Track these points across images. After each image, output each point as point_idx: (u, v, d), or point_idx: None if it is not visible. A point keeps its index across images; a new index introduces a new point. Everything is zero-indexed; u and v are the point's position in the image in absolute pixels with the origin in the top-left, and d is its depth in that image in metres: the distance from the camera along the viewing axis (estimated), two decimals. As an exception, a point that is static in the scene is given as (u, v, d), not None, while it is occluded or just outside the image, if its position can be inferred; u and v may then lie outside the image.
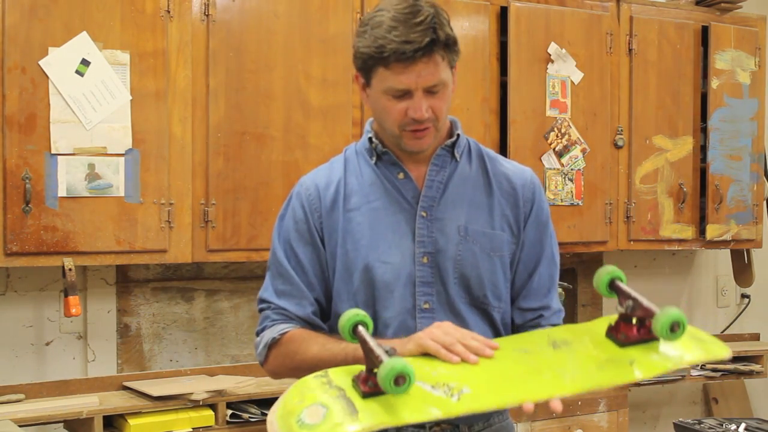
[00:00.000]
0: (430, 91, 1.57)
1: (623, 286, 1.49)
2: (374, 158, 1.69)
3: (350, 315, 1.42)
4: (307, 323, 1.68)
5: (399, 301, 1.63)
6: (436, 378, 1.38)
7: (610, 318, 1.53)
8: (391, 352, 1.33)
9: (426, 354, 1.47)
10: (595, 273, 1.53)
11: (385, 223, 1.65)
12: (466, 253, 1.65)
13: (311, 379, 1.40)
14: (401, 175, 1.67)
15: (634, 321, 1.44)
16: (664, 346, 1.41)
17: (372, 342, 1.35)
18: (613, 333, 1.47)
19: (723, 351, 1.44)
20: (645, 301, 1.43)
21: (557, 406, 1.37)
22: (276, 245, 1.71)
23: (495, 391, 1.37)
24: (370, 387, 1.32)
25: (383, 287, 1.63)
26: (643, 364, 1.40)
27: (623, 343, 1.44)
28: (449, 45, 1.57)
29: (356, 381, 1.36)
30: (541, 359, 1.45)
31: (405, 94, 1.57)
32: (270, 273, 1.72)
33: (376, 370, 1.31)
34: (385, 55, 1.54)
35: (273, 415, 1.37)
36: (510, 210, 1.70)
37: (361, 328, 1.41)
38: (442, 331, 1.49)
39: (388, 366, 1.26)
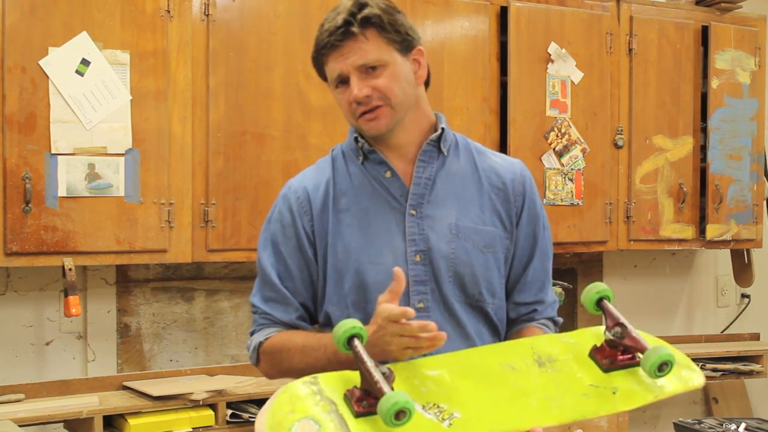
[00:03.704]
0: (368, 73, 1.58)
1: (611, 308, 1.49)
2: (361, 158, 1.68)
3: (346, 327, 1.37)
4: (292, 328, 1.68)
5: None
6: (426, 396, 1.37)
7: (593, 332, 1.53)
8: (388, 375, 1.32)
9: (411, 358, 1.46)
10: (585, 288, 1.53)
11: (375, 224, 1.64)
12: (459, 250, 1.63)
13: (300, 386, 1.35)
14: (388, 174, 1.66)
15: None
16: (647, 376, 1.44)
17: (369, 362, 1.32)
18: (597, 356, 1.48)
19: (698, 380, 1.48)
20: (634, 332, 1.45)
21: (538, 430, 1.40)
22: (261, 251, 1.71)
23: (485, 419, 1.37)
24: (364, 408, 1.30)
25: (376, 289, 1.60)
26: (625, 395, 1.43)
27: (607, 368, 1.46)
28: (378, 24, 1.58)
29: (348, 398, 1.33)
30: (528, 380, 1.44)
31: (346, 81, 1.60)
32: (258, 279, 1.73)
33: (370, 391, 1.30)
34: (317, 52, 1.62)
35: (262, 423, 1.33)
36: (501, 205, 1.69)
37: (356, 342, 1.36)
38: (388, 333, 1.44)
39: (390, 401, 1.24)
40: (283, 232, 1.68)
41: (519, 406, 1.40)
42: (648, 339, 1.48)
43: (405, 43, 1.62)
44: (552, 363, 1.48)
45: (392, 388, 1.29)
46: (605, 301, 1.50)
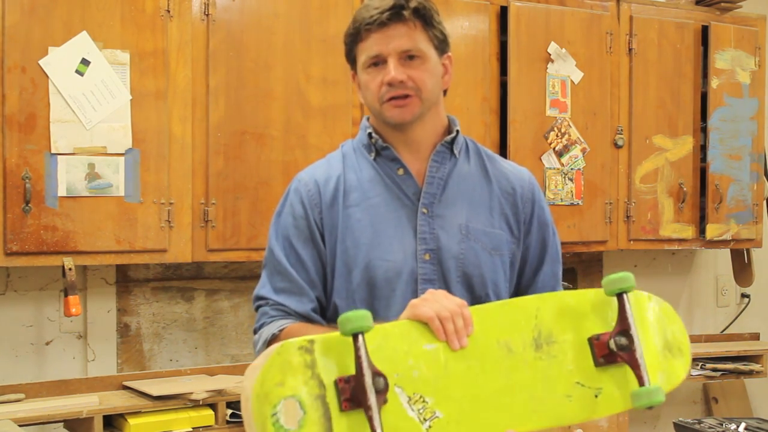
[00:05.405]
0: (406, 60, 1.60)
1: (628, 310, 1.47)
2: (373, 154, 1.68)
3: (355, 325, 1.33)
4: (306, 320, 1.66)
5: (400, 299, 1.61)
6: (415, 383, 1.36)
7: (597, 296, 1.51)
8: (383, 390, 1.32)
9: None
10: (606, 275, 1.51)
11: (385, 220, 1.64)
12: (468, 251, 1.64)
13: (295, 352, 1.32)
14: (401, 171, 1.66)
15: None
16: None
17: (367, 373, 1.31)
18: (594, 349, 1.48)
19: (678, 378, 1.53)
20: (639, 352, 1.44)
21: None
22: (273, 243, 1.69)
23: (463, 423, 1.38)
24: (350, 407, 1.32)
25: (384, 285, 1.61)
26: (606, 400, 1.46)
27: (599, 364, 1.47)
28: (425, 17, 1.61)
29: (339, 390, 1.32)
30: (519, 370, 1.44)
31: (380, 63, 1.60)
32: (267, 271, 1.70)
33: (360, 398, 1.31)
34: (358, 27, 1.61)
35: (250, 388, 1.31)
36: (509, 209, 1.70)
37: (361, 342, 1.33)
38: (434, 298, 1.45)
39: None
40: (295, 224, 1.67)
41: (501, 405, 1.41)
42: (642, 322, 1.50)
43: (442, 44, 1.66)
44: (549, 346, 1.47)
45: (379, 409, 1.30)
46: (625, 299, 1.48)
